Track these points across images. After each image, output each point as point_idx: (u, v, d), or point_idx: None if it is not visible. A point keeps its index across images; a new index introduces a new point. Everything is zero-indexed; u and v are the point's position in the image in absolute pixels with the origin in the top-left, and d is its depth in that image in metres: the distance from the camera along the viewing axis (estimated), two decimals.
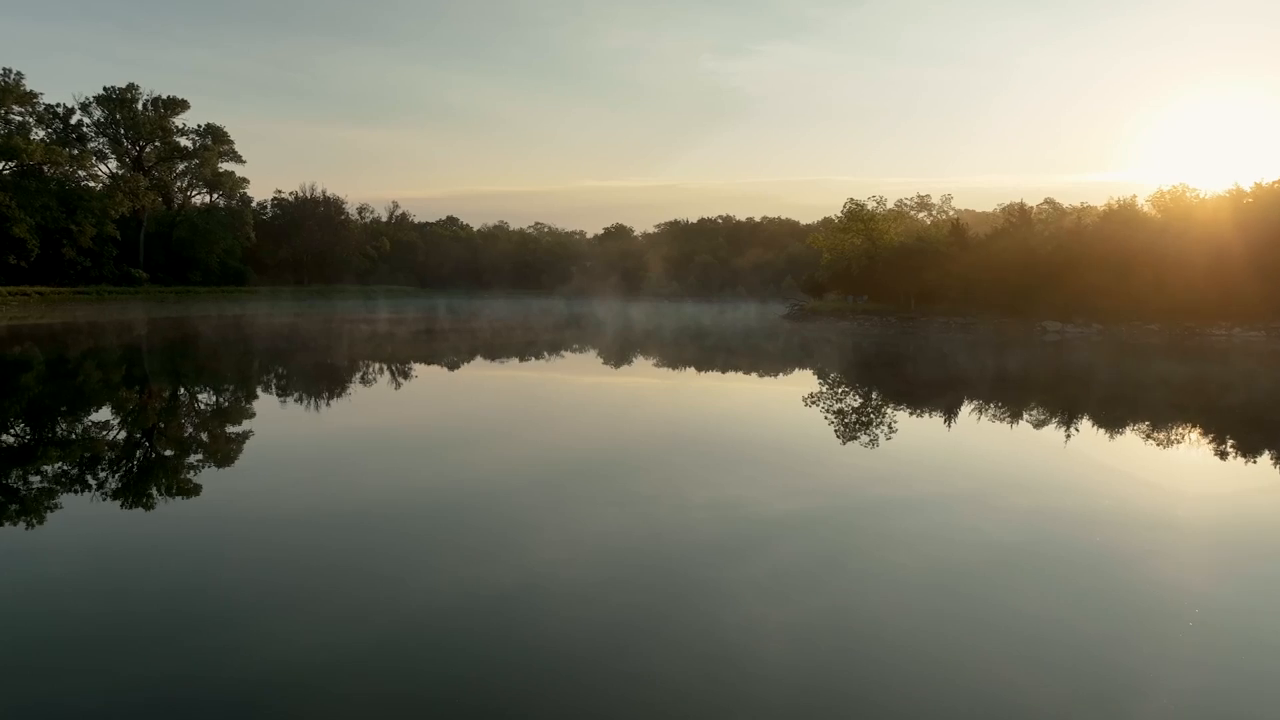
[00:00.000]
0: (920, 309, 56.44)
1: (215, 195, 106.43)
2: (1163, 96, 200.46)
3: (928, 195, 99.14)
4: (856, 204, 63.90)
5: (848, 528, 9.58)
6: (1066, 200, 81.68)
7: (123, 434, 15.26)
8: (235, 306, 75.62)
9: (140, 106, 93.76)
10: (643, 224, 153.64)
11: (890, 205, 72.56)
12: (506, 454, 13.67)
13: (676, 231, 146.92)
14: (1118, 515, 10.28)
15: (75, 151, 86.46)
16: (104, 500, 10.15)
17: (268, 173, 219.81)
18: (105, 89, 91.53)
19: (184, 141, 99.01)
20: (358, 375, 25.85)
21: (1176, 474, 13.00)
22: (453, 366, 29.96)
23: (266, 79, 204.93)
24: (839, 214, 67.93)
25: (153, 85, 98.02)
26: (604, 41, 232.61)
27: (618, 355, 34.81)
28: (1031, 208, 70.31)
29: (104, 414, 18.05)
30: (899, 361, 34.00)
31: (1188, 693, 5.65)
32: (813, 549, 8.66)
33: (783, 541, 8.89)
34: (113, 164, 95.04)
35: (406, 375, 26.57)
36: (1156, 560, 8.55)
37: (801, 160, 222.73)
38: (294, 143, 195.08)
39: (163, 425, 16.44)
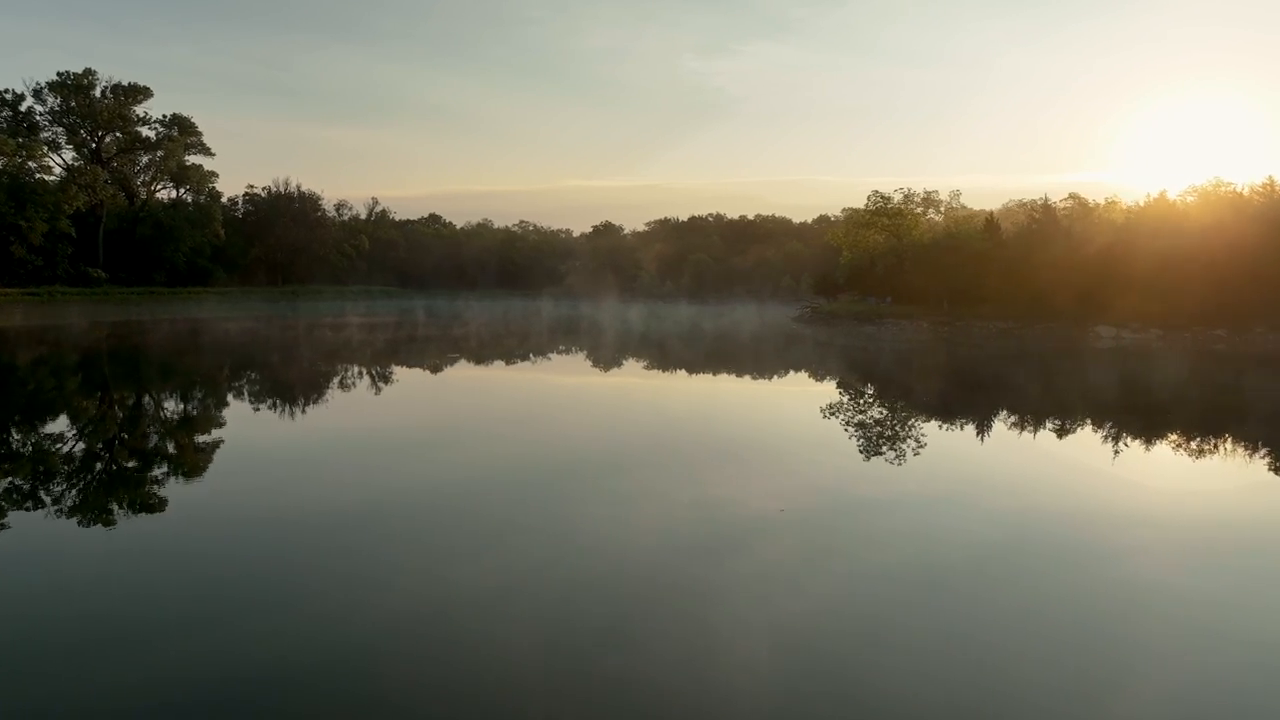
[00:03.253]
0: (954, 312, 51.24)
1: (182, 190, 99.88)
2: (1140, 98, 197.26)
3: (935, 191, 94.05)
4: (882, 197, 58.38)
5: (832, 528, 9.52)
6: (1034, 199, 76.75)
7: (95, 442, 14.46)
8: (199, 309, 69.44)
9: (98, 93, 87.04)
10: (628, 223, 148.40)
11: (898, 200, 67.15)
12: (491, 456, 13.53)
13: (667, 230, 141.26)
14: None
15: (23, 141, 79.77)
16: (83, 507, 9.87)
17: (247, 172, 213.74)
18: (60, 74, 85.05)
19: (146, 132, 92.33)
20: (302, 399, 20.40)
21: None
22: (435, 370, 28.11)
23: (247, 77, 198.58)
24: (837, 212, 62.87)
25: (130, 81, 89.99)
26: (587, 41, 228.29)
27: (631, 372, 29.28)
28: (1055, 203, 65.53)
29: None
30: (980, 382, 28.59)
31: (1171, 686, 5.73)
32: (798, 549, 8.64)
33: (768, 541, 8.84)
34: (69, 155, 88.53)
35: (388, 379, 24.99)
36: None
37: (784, 160, 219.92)
38: (274, 141, 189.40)
39: (132, 432, 15.83)
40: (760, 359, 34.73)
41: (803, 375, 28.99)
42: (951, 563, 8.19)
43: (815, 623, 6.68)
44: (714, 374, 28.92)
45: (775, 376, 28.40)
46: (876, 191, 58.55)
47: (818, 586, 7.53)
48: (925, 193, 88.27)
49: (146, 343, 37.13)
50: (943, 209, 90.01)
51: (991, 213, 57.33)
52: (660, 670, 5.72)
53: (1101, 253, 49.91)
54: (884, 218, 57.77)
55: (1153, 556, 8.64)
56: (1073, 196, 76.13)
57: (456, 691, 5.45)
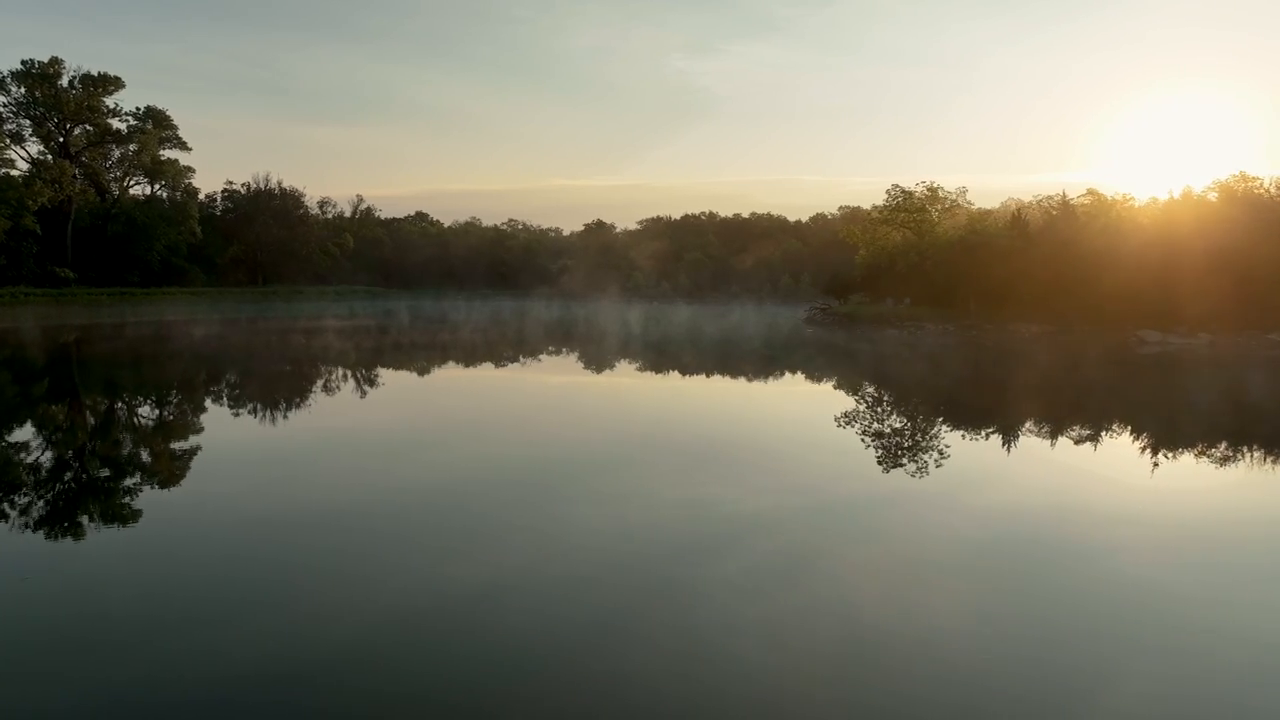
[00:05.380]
0: (982, 314, 47.73)
1: (156, 186, 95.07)
2: (1123, 99, 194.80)
3: (940, 186, 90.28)
4: (904, 191, 54.68)
5: (820, 525, 9.54)
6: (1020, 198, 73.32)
7: (85, 443, 14.42)
8: (170, 311, 65.19)
9: (65, 83, 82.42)
10: (615, 222, 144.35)
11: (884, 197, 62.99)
12: (480, 454, 13.50)
13: (660, 228, 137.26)
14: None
15: None
16: (75, 507, 9.94)
17: (231, 172, 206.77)
18: (24, 62, 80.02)
19: (117, 124, 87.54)
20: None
21: None
22: (423, 373, 27.36)
23: (231, 75, 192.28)
24: (824, 210, 59.23)
25: (101, 71, 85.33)
26: (573, 40, 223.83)
27: (648, 389, 25.54)
28: (1073, 200, 62.14)
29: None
30: (1079, 402, 24.91)
31: (1153, 681, 5.75)
32: (786, 547, 8.68)
33: (756, 539, 8.87)
34: (35, 149, 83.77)
35: (373, 383, 24.48)
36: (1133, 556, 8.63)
37: (769, 160, 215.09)
38: (258, 140, 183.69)
39: (125, 433, 15.86)
40: (787, 369, 31.09)
41: (854, 393, 25.35)
42: (937, 558, 8.35)
43: (805, 619, 6.72)
44: (747, 382, 25.26)
45: (818, 394, 24.71)
46: (896, 185, 54.96)
47: (807, 582, 7.64)
48: (930, 188, 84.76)
49: (93, 352, 33.17)
50: (947, 205, 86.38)
51: (1019, 208, 53.70)
52: (652, 668, 5.75)
53: (1139, 251, 46.53)
54: (904, 213, 54.11)
55: (1142, 554, 8.71)
56: (1091, 192, 72.79)
57: (449, 690, 5.42)
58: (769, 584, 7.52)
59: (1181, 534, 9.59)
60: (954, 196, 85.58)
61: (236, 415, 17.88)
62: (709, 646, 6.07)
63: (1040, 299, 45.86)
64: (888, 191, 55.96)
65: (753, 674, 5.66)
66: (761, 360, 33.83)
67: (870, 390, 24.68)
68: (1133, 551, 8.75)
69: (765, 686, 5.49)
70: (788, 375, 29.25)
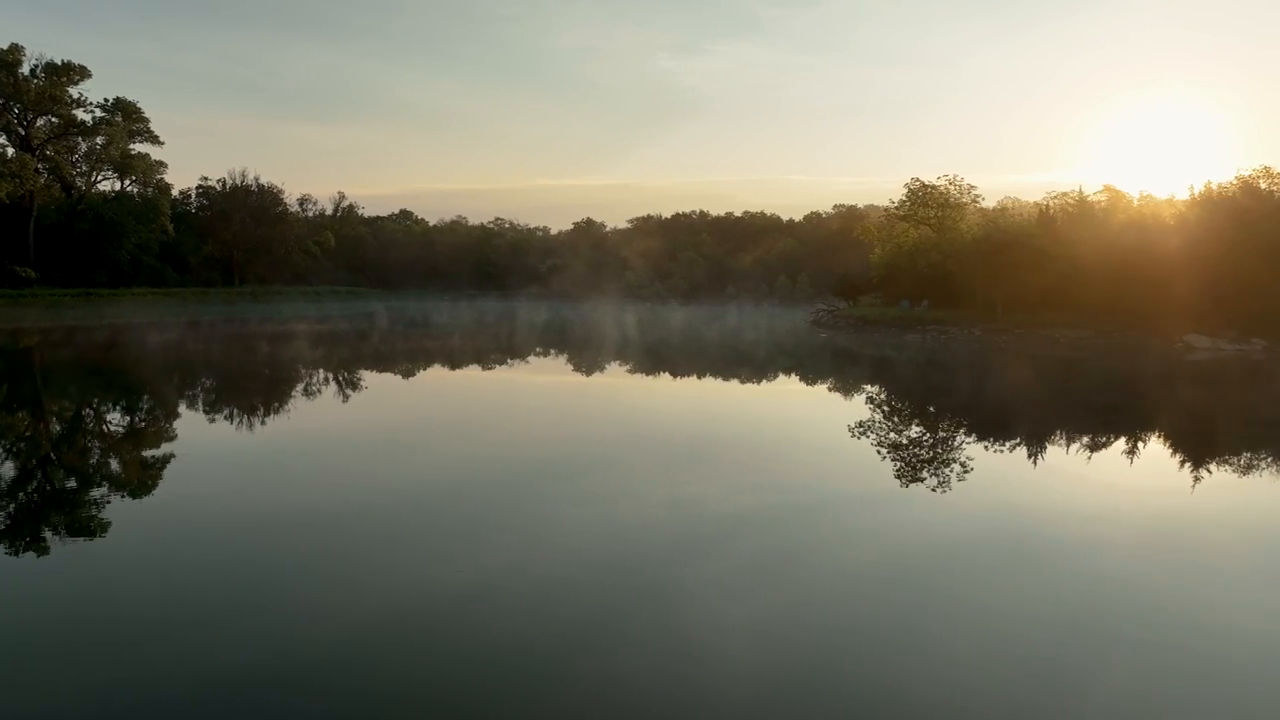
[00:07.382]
0: (1011, 318, 44.31)
1: (126, 181, 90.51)
2: (1106, 99, 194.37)
3: (962, 178, 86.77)
4: (925, 185, 51.12)
5: (807, 525, 9.51)
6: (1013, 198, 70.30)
7: (71, 445, 14.19)
8: (134, 313, 60.98)
9: (27, 71, 77.93)
10: (603, 221, 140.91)
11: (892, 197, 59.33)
12: (466, 455, 13.52)
13: (652, 227, 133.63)
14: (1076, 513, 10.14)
15: None
16: (58, 513, 9.76)
17: (212, 170, 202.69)
18: None
19: (83, 115, 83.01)
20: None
21: None
22: (408, 375, 26.06)
23: (212, 73, 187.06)
24: (812, 210, 55.82)
25: (65, 60, 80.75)
26: (559, 39, 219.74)
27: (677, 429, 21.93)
28: (1088, 197, 58.92)
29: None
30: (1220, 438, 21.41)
31: (1138, 677, 5.70)
32: (773, 546, 8.60)
33: (743, 538, 8.80)
34: None
35: (356, 385, 23.70)
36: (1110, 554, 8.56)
37: (754, 159, 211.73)
38: (240, 139, 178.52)
39: (114, 434, 15.41)
40: (822, 385, 27.51)
41: (926, 415, 21.77)
42: (924, 556, 8.22)
43: (793, 618, 6.64)
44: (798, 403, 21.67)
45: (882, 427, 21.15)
46: (917, 178, 51.45)
47: (795, 581, 7.53)
48: (953, 182, 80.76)
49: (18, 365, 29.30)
50: (953, 202, 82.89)
51: (1046, 205, 50.33)
52: (641, 667, 5.67)
53: (1176, 250, 43.26)
54: (926, 209, 50.57)
55: (1127, 553, 8.57)
56: (1108, 189, 69.47)
57: (437, 690, 5.36)
58: (756, 582, 7.45)
59: (1167, 532, 9.51)
60: (958, 195, 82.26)
61: (228, 416, 17.35)
62: (698, 646, 6.02)
63: (1072, 301, 42.53)
64: (907, 185, 52.46)
65: (742, 673, 5.61)
66: (791, 372, 30.24)
67: (940, 411, 21.12)
68: (1116, 550, 8.61)
69: (755, 686, 5.42)
70: (837, 395, 25.66)
